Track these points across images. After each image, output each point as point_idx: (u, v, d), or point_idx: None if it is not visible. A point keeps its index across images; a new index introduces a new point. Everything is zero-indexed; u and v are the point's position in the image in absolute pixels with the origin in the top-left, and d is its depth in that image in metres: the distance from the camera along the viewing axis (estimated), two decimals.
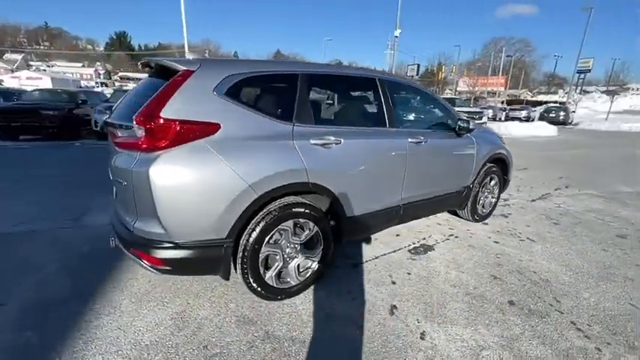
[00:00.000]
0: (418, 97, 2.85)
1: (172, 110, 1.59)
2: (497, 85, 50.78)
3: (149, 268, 1.68)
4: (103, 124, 2.14)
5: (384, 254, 2.78)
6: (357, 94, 2.44)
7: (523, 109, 22.96)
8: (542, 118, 20.49)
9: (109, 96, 11.95)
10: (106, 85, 48.27)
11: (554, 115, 20.47)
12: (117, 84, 52.82)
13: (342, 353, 1.69)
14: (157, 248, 1.63)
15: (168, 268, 1.68)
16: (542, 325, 1.95)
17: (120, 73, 68.94)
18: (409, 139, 2.52)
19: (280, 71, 2.01)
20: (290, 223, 1.96)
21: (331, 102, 2.31)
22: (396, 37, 19.72)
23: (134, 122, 1.56)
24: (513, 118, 21.12)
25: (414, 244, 3.01)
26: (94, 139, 9.06)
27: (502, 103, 32.32)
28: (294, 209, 1.93)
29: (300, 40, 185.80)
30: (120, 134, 1.74)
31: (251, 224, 1.81)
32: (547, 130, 14.86)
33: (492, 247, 2.99)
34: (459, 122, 2.88)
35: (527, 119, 21.19)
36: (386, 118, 2.44)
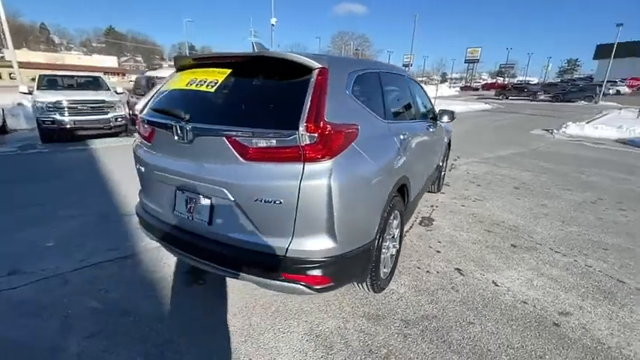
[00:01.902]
0: (416, 90, 3.27)
1: (331, 114, 1.45)
2: None
3: (311, 290, 1.50)
4: (191, 129, 1.50)
5: (407, 230, 3.17)
6: (399, 90, 2.64)
7: None
8: None
9: None
10: None
11: None
12: None
13: (467, 314, 1.99)
14: (325, 266, 1.48)
15: (332, 284, 1.55)
16: (541, 255, 2.79)
17: None
18: (429, 129, 2.94)
19: (371, 70, 2.02)
20: (392, 215, 2.07)
21: (392, 98, 2.44)
22: (273, 25, 19.83)
23: (303, 129, 1.34)
24: None
25: (417, 218, 3.51)
26: None
27: None
28: (397, 201, 2.04)
29: (145, 18, 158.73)
30: (256, 143, 1.42)
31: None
32: None
33: (464, 210, 3.82)
34: (440, 112, 3.49)
35: None
36: (414, 110, 2.76)
